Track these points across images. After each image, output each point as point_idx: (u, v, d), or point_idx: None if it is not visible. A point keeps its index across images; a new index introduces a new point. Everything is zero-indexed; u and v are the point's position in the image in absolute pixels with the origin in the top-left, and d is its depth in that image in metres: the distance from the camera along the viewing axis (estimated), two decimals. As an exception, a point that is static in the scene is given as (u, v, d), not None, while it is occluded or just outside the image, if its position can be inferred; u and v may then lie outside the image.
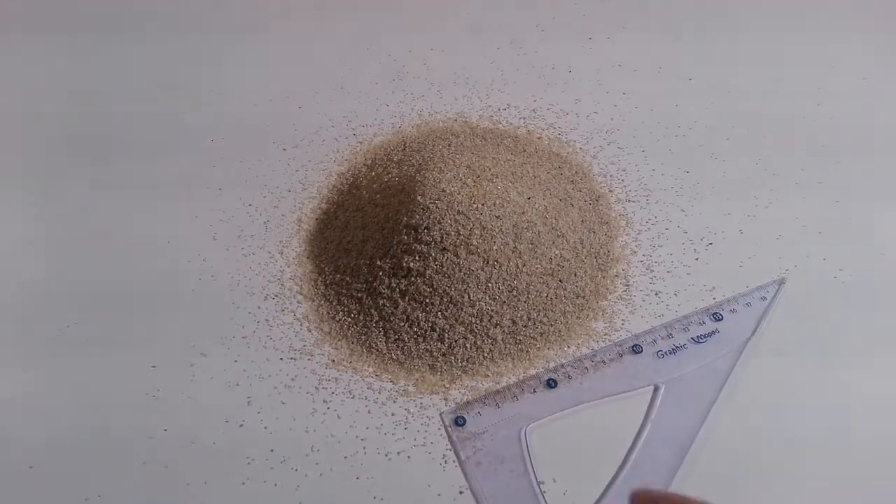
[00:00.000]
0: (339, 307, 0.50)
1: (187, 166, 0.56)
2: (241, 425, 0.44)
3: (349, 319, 0.49)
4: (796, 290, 0.49)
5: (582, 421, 0.43)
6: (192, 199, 0.54)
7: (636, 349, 0.47)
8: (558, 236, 0.50)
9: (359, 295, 0.49)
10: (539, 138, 0.57)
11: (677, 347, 0.48)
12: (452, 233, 0.47)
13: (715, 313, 0.49)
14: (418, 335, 0.47)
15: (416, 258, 0.47)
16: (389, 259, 0.48)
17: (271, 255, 0.53)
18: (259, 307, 0.50)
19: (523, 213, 0.48)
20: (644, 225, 0.54)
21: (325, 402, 0.46)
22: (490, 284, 0.47)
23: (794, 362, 0.45)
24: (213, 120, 0.59)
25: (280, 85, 0.62)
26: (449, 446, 0.42)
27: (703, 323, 0.49)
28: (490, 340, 0.47)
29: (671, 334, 0.48)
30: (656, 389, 0.46)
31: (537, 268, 0.48)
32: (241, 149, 0.58)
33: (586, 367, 0.47)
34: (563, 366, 0.46)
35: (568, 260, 0.50)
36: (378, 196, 0.52)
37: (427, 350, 0.47)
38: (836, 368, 0.45)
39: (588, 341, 0.48)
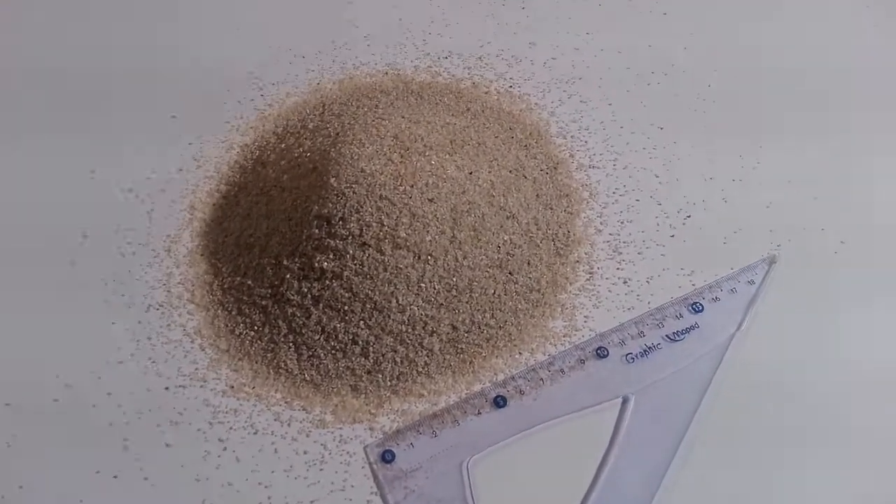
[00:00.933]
0: (239, 318, 0.45)
1: (43, 140, 0.49)
2: (116, 477, 0.39)
3: (252, 333, 0.44)
4: (790, 270, 0.45)
5: (537, 447, 0.40)
6: (53, 182, 0.48)
7: (601, 353, 0.44)
8: (507, 218, 0.46)
9: (263, 303, 0.45)
10: (486, 92, 0.53)
11: (650, 348, 0.45)
12: (374, 224, 0.43)
13: (694, 303, 0.46)
14: (337, 350, 0.43)
15: (331, 256, 0.43)
16: (298, 258, 0.44)
17: (156, 254, 0.48)
18: (140, 321, 0.45)
19: (463, 192, 0.44)
20: (611, 196, 0.51)
21: (220, 441, 0.41)
22: (423, 284, 0.43)
23: (789, 360, 0.42)
24: (75, 74, 0.51)
25: (164, 31, 0.54)
26: (375, 489, 0.39)
27: (681, 316, 0.46)
28: (425, 352, 0.43)
29: (642, 332, 0.45)
30: (625, 402, 0.42)
31: (482, 259, 0.44)
32: (116, 115, 0.51)
33: (541, 379, 0.43)
34: (513, 378, 0.43)
35: (519, 246, 0.46)
36: (286, 177, 0.47)
37: (348, 368, 0.43)
38: (839, 366, 0.42)
39: (544, 345, 0.44)
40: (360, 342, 0.42)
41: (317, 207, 0.43)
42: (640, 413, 0.41)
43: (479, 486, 0.39)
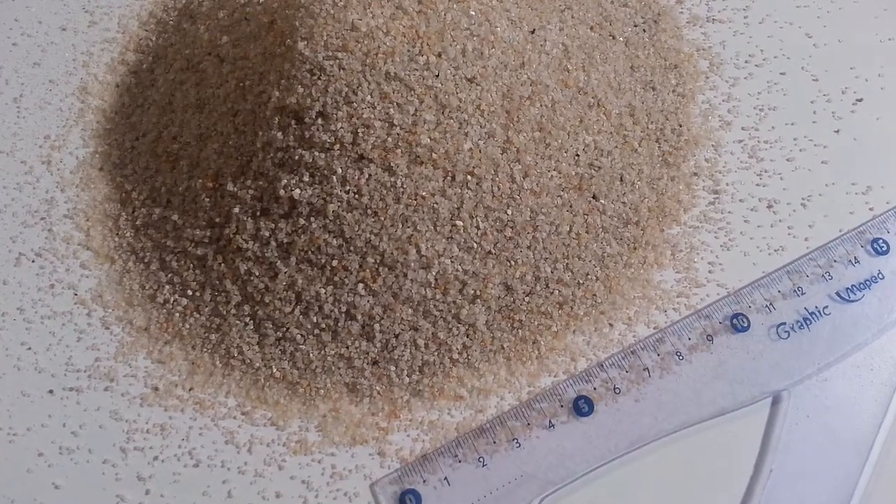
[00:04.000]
0: (162, 276, 0.38)
1: None
2: None
3: (185, 301, 0.37)
4: None
5: (642, 480, 0.34)
6: None
7: (738, 323, 0.37)
8: (590, 107, 0.39)
9: (199, 251, 0.38)
10: None
11: (812, 314, 0.38)
12: (377, 123, 0.34)
13: (876, 240, 0.39)
14: (322, 329, 0.36)
15: (306, 178, 0.35)
16: (252, 180, 0.36)
17: (29, 168, 0.41)
18: (5, 280, 0.38)
19: (522, 65, 0.36)
20: (742, 67, 0.44)
21: (139, 479, 0.34)
22: (460, 222, 0.36)
23: None
24: None
25: None
26: None
27: (856, 261, 0.39)
28: (463, 329, 0.36)
29: (799, 288, 0.38)
30: (776, 402, 0.36)
31: (552, 177, 0.37)
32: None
33: (646, 368, 0.36)
34: (601, 367, 0.37)
35: (608, 153, 0.39)
36: (226, 39, 0.40)
37: (341, 356, 0.36)
38: None
39: (648, 312, 0.38)
40: (360, 317, 0.36)
41: (278, 94, 0.35)
42: (800, 420, 0.35)
43: None
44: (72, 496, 0.34)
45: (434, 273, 0.36)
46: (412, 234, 0.35)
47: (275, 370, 0.36)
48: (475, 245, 0.36)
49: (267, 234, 0.36)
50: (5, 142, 0.43)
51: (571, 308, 0.37)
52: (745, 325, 0.37)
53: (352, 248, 0.35)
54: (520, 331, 0.37)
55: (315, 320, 0.36)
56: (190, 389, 0.36)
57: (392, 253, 0.35)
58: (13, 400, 0.36)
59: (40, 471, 0.35)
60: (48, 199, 0.41)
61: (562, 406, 0.36)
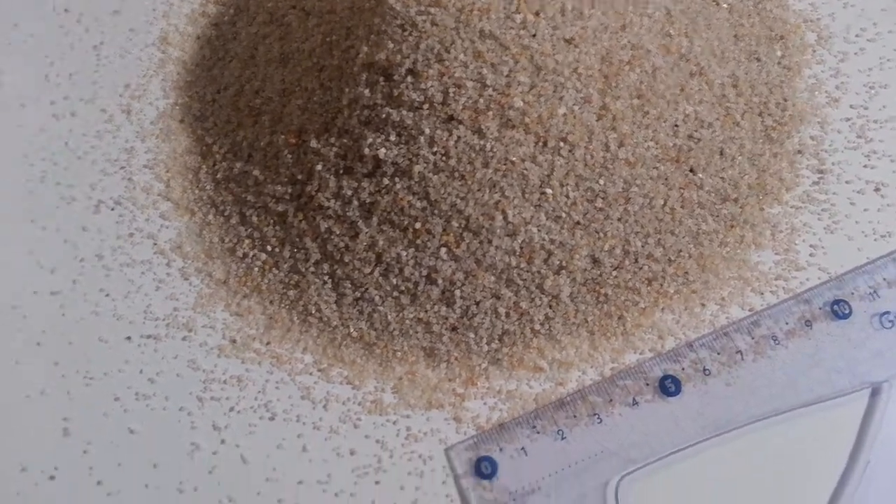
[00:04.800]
0: (242, 230, 0.39)
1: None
2: (50, 479, 0.34)
3: (264, 256, 0.38)
4: None
5: (729, 465, 0.34)
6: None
7: (839, 310, 0.37)
8: (692, 75, 0.38)
9: (280, 207, 0.38)
10: None
11: None
12: (469, 83, 0.34)
13: None
14: (402, 292, 0.37)
15: (392, 138, 0.35)
16: (336, 138, 0.37)
17: (109, 116, 0.42)
18: (84, 227, 0.39)
19: (623, 27, 0.36)
20: (853, 41, 0.43)
21: (215, 429, 0.35)
22: (549, 190, 0.35)
23: None
24: None
25: None
26: None
27: None
28: (546, 299, 0.36)
29: None
30: (876, 393, 0.36)
31: (648, 147, 0.37)
32: None
33: (739, 351, 0.36)
34: (692, 347, 0.36)
35: (709, 125, 0.38)
36: None
37: (420, 321, 0.37)
38: None
39: (743, 293, 0.37)
40: (441, 281, 0.36)
41: (366, 49, 0.35)
42: None
43: None
44: (147, 441, 0.35)
45: (520, 241, 0.35)
46: (499, 200, 0.35)
47: (352, 330, 0.37)
48: (564, 214, 0.36)
49: (349, 192, 0.36)
50: (85, 89, 0.44)
51: (661, 285, 0.37)
52: (847, 312, 0.37)
53: (436, 212, 0.35)
54: (605, 305, 0.37)
55: (394, 282, 0.36)
56: (267, 343, 0.37)
57: (477, 218, 0.35)
58: (90, 345, 0.37)
59: (116, 415, 0.36)
60: (128, 148, 0.42)
61: (647, 384, 0.36)
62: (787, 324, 0.37)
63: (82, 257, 0.40)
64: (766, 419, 0.35)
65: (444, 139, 0.35)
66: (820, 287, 0.37)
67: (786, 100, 0.41)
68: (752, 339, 0.36)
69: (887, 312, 0.37)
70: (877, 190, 0.40)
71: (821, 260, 0.38)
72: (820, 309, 0.37)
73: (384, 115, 0.35)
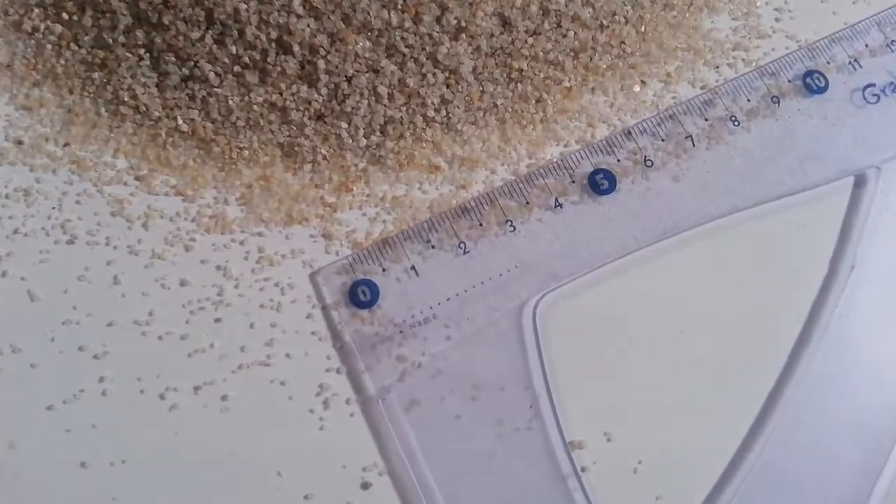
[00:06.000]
0: None
1: None
2: None
3: (60, 28, 0.31)
4: None
5: (679, 274, 0.30)
6: None
7: (812, 82, 0.32)
8: None
9: None
10: None
11: None
12: None
13: None
14: (245, 66, 0.30)
15: None
16: None
17: None
18: None
19: None
20: None
21: None
22: None
23: None
24: None
25: None
26: (334, 362, 0.29)
27: None
28: (442, 76, 0.31)
29: (893, 42, 0.33)
30: (860, 184, 0.32)
31: None
32: None
33: (689, 137, 0.32)
34: (628, 135, 0.32)
35: None
36: None
37: (273, 106, 0.30)
38: None
39: (692, 68, 0.33)
40: (298, 48, 0.30)
41: None
42: (890, 206, 0.31)
43: (557, 359, 0.29)
44: None
45: (400, -8, 0.29)
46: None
47: (180, 121, 0.31)
48: (458, -50, 0.28)
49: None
50: None
51: (591, 58, 0.32)
52: (822, 84, 0.33)
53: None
54: (519, 84, 0.32)
55: (234, 51, 0.30)
56: (65, 145, 0.31)
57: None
58: None
59: None
60: None
61: (573, 182, 0.31)
62: (748, 101, 0.32)
63: None
64: (723, 218, 0.31)
65: None
66: (788, 57, 0.33)
67: None
68: (706, 121, 0.32)
69: (871, 85, 0.33)
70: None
71: (788, 26, 0.34)
72: (789, 83, 0.33)
73: None
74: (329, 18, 0.29)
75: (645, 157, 0.31)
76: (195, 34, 0.29)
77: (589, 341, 0.29)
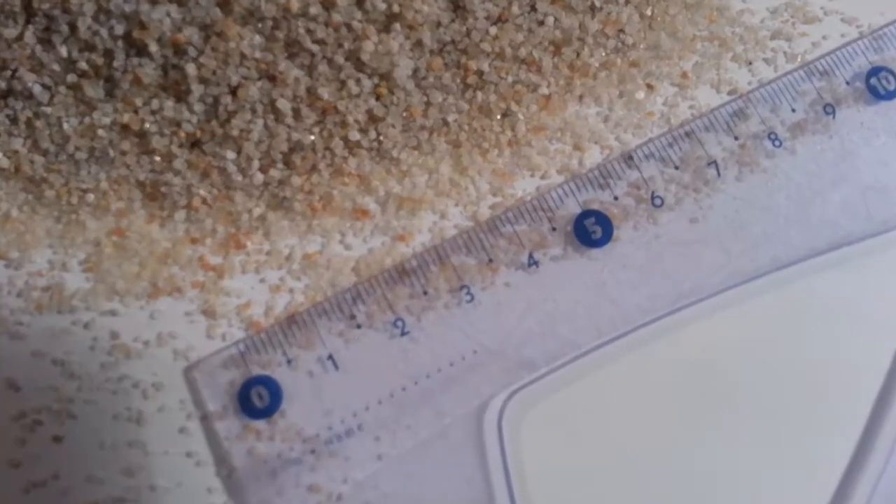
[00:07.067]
0: None
1: None
2: None
3: None
4: None
5: (687, 371, 0.25)
6: None
7: (877, 84, 0.28)
8: None
9: None
10: None
11: None
12: None
13: None
14: (82, 74, 0.24)
15: None
16: None
17: None
18: None
19: None
20: None
21: None
22: None
23: None
24: None
25: None
26: (228, 498, 0.24)
27: None
28: (370, 83, 0.25)
29: None
30: None
31: None
32: None
33: (713, 163, 0.27)
34: (629, 161, 0.27)
35: None
36: None
37: (127, 130, 0.25)
38: None
39: (717, 64, 0.28)
40: (156, 48, 0.23)
41: None
42: None
43: (528, 476, 0.25)
44: None
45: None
46: None
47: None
48: None
49: None
50: None
51: (578, 54, 0.27)
52: (893, 88, 0.27)
53: None
54: (479, 92, 0.26)
55: (66, 53, 0.23)
56: None
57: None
58: None
59: None
60: None
61: (554, 229, 0.26)
62: (793, 112, 0.27)
63: None
64: (760, 278, 0.26)
65: None
66: (846, 49, 0.28)
67: None
68: (736, 140, 0.27)
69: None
70: None
71: (844, 5, 0.29)
72: (847, 85, 0.27)
73: None
74: (198, 3, 0.22)
75: (652, 192, 0.26)
76: (10, 31, 0.23)
77: (574, 456, 0.24)
